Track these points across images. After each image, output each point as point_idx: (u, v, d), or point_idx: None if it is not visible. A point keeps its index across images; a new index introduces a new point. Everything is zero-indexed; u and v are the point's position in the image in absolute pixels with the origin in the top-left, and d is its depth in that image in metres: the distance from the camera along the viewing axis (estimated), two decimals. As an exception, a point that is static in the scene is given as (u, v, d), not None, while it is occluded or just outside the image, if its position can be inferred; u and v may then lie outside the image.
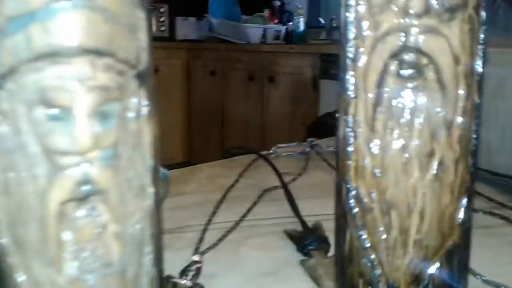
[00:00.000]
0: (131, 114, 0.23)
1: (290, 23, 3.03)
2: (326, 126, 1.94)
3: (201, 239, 0.60)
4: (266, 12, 3.10)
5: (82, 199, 0.21)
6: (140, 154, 0.24)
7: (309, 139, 0.94)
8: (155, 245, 0.25)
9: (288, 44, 2.89)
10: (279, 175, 0.77)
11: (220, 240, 0.59)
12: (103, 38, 0.20)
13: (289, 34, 2.99)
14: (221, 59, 2.88)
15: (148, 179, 0.25)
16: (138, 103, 0.23)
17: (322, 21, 3.11)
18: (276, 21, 3.13)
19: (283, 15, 3.22)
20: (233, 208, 0.68)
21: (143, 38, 0.23)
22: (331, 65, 2.27)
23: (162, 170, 0.48)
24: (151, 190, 0.25)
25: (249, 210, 0.68)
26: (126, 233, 0.23)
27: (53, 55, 0.19)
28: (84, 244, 0.22)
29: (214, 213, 0.68)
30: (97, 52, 0.20)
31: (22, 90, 0.20)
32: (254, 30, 2.90)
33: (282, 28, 3.02)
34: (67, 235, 0.21)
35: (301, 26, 2.89)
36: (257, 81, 2.70)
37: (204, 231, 0.62)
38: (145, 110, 0.24)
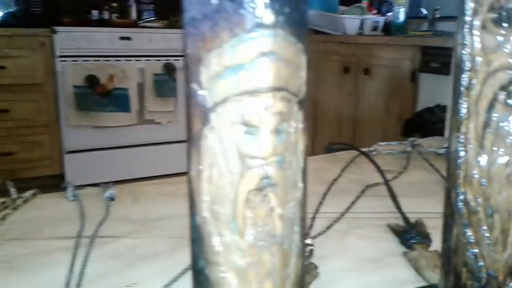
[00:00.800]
0: (292, 130, 0.31)
1: (389, 13, 2.98)
2: (425, 122, 1.91)
3: (311, 226, 0.69)
4: (365, 2, 3.06)
5: (260, 189, 0.30)
6: (296, 158, 0.32)
7: (411, 138, 0.98)
8: (301, 226, 0.34)
9: (386, 35, 2.85)
10: (381, 172, 0.83)
11: (328, 228, 0.68)
12: (283, 79, 0.29)
13: (388, 25, 2.94)
14: (316, 51, 2.92)
15: (299, 177, 0.33)
16: (297, 121, 0.32)
17: (423, 11, 3.01)
18: (374, 11, 3.08)
19: (382, 5, 3.16)
20: (337, 200, 0.76)
21: (303, 74, 0.31)
22: (432, 58, 2.21)
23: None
24: (301, 184, 0.33)
25: (353, 203, 0.75)
26: (285, 215, 0.32)
27: (252, 92, 0.28)
28: (259, 221, 0.31)
29: (320, 203, 0.76)
30: (278, 89, 0.29)
31: (228, 113, 0.29)
32: (351, 21, 2.89)
33: (381, 19, 2.97)
34: (248, 213, 0.31)
35: (401, 17, 2.83)
36: (352, 73, 2.71)
37: (313, 219, 0.70)
38: (300, 126, 0.32)
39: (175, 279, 0.53)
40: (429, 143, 1.01)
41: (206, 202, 0.31)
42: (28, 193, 0.74)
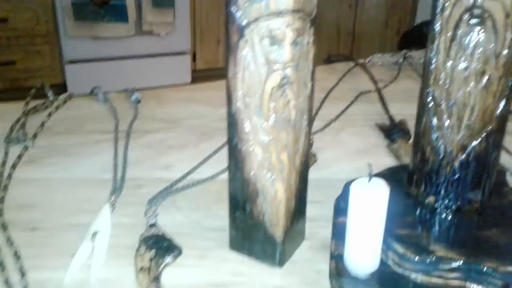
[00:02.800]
0: (305, 42, 0.41)
1: None
2: (422, 35, 1.97)
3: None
4: None
5: (281, 86, 0.41)
6: (307, 64, 0.43)
7: (403, 50, 1.07)
8: (308, 114, 0.45)
9: None
10: (374, 81, 0.93)
11: (325, 126, 0.79)
12: (300, 3, 0.38)
13: None
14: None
15: (309, 77, 0.44)
16: (309, 36, 0.42)
17: None
18: None
19: None
20: (334, 105, 0.87)
21: (315, -2, 0.41)
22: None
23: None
24: (310, 83, 0.44)
25: (347, 107, 0.87)
26: (298, 105, 0.43)
27: (277, 13, 0.38)
28: (279, 109, 0.42)
29: (319, 107, 0.87)
30: (297, 11, 0.38)
31: (258, 29, 0.39)
32: None
33: None
34: (271, 104, 0.42)
35: None
36: (353, -15, 2.70)
37: (313, 119, 0.82)
38: (312, 40, 0.42)
39: (202, 162, 0.66)
40: (420, 55, 1.10)
41: (240, 96, 0.42)
42: (63, 96, 0.85)
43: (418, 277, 0.43)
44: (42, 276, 0.47)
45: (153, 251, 0.48)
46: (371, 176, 0.41)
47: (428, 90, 0.45)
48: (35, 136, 0.72)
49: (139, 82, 2.89)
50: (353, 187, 0.41)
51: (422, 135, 0.48)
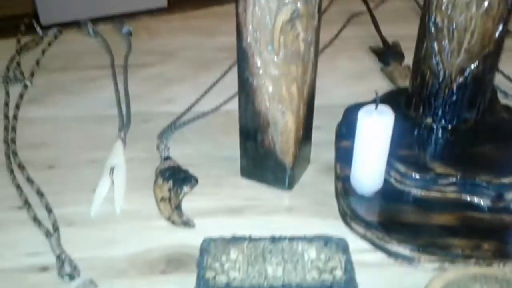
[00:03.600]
0: None
1: None
2: None
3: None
4: None
5: (291, 20, 0.42)
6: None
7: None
8: (315, 47, 0.47)
9: None
10: (365, 1, 0.92)
11: (320, 52, 0.80)
12: None
13: None
14: None
15: (316, 9, 0.44)
16: None
17: None
18: None
19: None
20: (327, 29, 0.87)
21: None
22: None
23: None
24: (317, 15, 0.45)
25: (340, 31, 0.87)
26: (307, 38, 0.44)
27: None
28: (288, 43, 0.43)
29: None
30: None
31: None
32: None
33: None
34: (281, 38, 0.43)
35: None
36: None
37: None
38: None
39: (203, 95, 0.68)
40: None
41: (250, 31, 0.43)
42: (52, 31, 0.83)
43: (418, 192, 0.48)
44: (67, 211, 0.50)
45: (170, 182, 0.51)
46: (377, 103, 0.44)
47: (430, 16, 0.47)
48: (32, 74, 0.71)
49: (112, 7, 2.78)
50: (361, 115, 0.44)
51: (423, 60, 0.50)
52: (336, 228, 0.47)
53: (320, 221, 0.48)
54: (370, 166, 0.46)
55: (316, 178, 0.55)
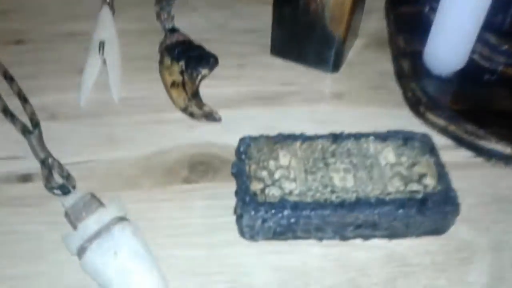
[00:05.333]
0: None
1: None
2: None
3: None
4: None
5: None
6: None
7: None
8: None
9: None
10: None
11: None
12: None
13: None
14: None
15: None
16: None
17: None
18: None
19: None
20: None
21: None
22: None
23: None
24: None
25: None
26: None
27: None
28: None
29: None
30: None
31: None
32: None
33: None
34: None
35: None
36: None
37: None
38: None
39: None
40: None
41: None
42: None
43: (509, 70, 0.37)
44: (47, 100, 0.37)
45: (182, 63, 0.38)
46: None
47: None
48: None
49: None
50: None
51: None
52: (404, 119, 0.36)
53: (381, 110, 0.38)
54: (458, 35, 0.34)
55: (367, 55, 0.43)
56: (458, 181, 0.30)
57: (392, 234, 0.29)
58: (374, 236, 0.29)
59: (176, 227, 0.30)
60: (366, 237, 0.29)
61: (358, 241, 0.29)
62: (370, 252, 0.29)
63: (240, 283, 0.28)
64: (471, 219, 0.30)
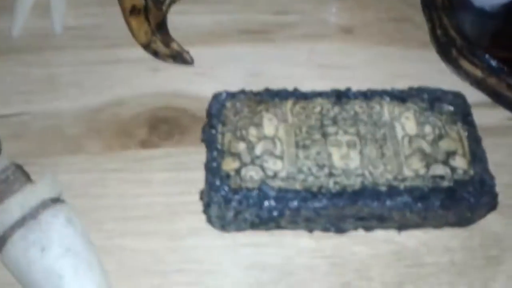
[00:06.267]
0: None
1: None
2: None
3: None
4: None
5: None
6: None
7: None
8: None
9: None
10: None
11: None
12: None
13: None
14: None
15: None
16: None
17: None
18: None
19: None
20: None
21: None
22: None
23: None
24: None
25: None
26: None
27: None
28: None
29: None
30: None
31: None
32: None
33: None
34: None
35: None
36: None
37: None
38: None
39: None
40: None
41: None
42: None
43: None
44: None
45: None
46: None
47: None
48: None
49: None
50: None
51: None
52: (428, 64, 0.29)
53: (400, 52, 0.29)
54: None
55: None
56: (491, 152, 0.23)
57: (403, 225, 0.22)
58: (380, 227, 0.22)
59: (128, 208, 0.23)
60: (369, 228, 0.22)
61: (359, 232, 0.23)
62: (373, 247, 0.23)
63: (206, 285, 0.22)
64: (506, 206, 0.24)
